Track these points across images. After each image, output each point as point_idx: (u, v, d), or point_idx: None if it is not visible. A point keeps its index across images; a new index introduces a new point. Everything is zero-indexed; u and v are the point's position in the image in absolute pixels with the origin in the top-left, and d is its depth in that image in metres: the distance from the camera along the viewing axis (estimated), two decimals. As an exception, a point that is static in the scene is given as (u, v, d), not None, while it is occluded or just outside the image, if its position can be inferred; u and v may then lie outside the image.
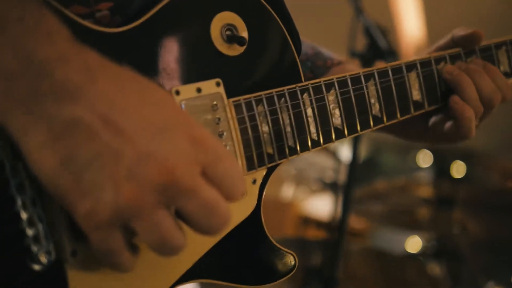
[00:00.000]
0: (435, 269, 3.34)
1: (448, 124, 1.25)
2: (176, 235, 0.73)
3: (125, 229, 0.73)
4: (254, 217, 1.01)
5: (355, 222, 6.18)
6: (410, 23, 5.74)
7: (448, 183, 3.04)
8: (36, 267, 0.77)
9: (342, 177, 2.64)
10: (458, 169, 7.95)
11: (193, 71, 0.93)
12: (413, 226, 3.63)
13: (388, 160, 9.26)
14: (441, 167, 7.63)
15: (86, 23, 0.87)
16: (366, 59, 2.40)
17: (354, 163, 2.39)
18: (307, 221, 4.49)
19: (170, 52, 0.92)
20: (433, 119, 1.28)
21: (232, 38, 0.97)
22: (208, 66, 0.96)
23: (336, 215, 2.60)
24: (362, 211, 3.58)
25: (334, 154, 2.75)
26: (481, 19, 5.47)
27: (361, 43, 2.47)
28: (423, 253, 3.62)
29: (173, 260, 0.90)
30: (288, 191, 3.29)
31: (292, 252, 1.04)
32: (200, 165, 0.73)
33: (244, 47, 0.99)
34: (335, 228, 4.71)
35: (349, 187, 2.37)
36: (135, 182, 0.69)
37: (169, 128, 0.73)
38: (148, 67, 0.91)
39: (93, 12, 0.94)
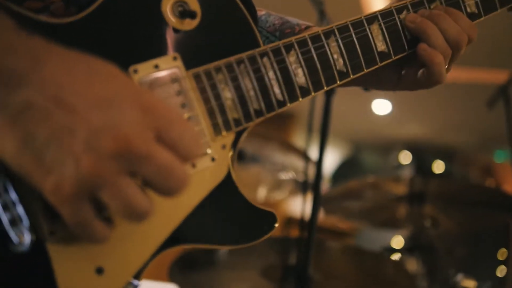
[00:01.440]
0: (412, 264, 3.41)
1: (420, 72, 1.27)
2: (140, 199, 0.78)
3: (94, 201, 0.78)
4: (228, 180, 1.05)
5: (341, 222, 6.24)
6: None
7: (421, 179, 3.10)
8: (18, 248, 0.82)
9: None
10: (438, 167, 8.04)
11: (149, 49, 0.97)
12: (389, 223, 3.70)
13: (370, 159, 9.38)
14: (421, 165, 7.72)
15: (36, 16, 0.92)
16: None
17: (320, 162, 2.45)
18: (290, 221, 4.55)
19: (125, 34, 0.97)
20: (405, 68, 1.30)
21: (183, 13, 1.02)
22: (164, 43, 1.00)
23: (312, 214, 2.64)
24: (339, 209, 3.63)
25: (304, 154, 2.80)
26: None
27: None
28: (400, 249, 3.69)
29: (150, 228, 0.93)
30: (262, 193, 3.33)
31: (271, 210, 1.07)
32: (153, 130, 0.78)
33: (197, 20, 1.03)
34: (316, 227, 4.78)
35: (317, 185, 2.43)
36: (92, 153, 0.74)
37: (119, 100, 0.78)
38: (103, 51, 0.94)
39: (47, 6, 0.99)
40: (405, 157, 7.94)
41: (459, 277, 2.96)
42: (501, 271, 4.19)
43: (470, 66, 5.45)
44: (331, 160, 9.04)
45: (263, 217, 1.07)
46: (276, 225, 1.07)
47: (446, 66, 1.26)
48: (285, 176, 3.29)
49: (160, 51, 1.00)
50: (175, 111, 0.84)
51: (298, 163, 2.89)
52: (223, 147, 1.05)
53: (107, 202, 0.77)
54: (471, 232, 4.33)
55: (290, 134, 6.51)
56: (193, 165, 1.01)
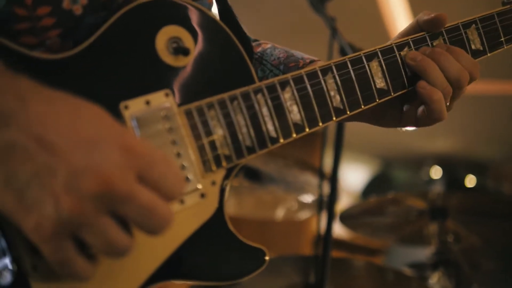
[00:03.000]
0: (437, 279, 3.36)
1: (420, 109, 1.27)
2: (120, 238, 0.80)
3: (76, 239, 0.79)
4: (218, 217, 1.05)
5: (371, 240, 6.19)
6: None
7: (442, 193, 3.07)
8: (1, 281, 0.83)
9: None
10: (470, 181, 7.92)
11: (142, 85, 0.98)
12: (415, 239, 3.66)
13: (400, 175, 9.28)
14: (452, 180, 7.61)
15: (29, 52, 0.94)
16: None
17: (334, 178, 2.45)
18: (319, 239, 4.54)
19: (118, 70, 0.98)
20: (406, 105, 1.30)
21: (177, 49, 1.02)
22: (156, 79, 1.01)
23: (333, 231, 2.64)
24: (363, 225, 3.61)
25: (320, 171, 2.81)
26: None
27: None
28: (425, 265, 3.65)
29: (136, 264, 0.94)
30: (281, 213, 3.34)
31: (261, 246, 1.06)
32: (134, 171, 0.80)
33: (190, 57, 1.04)
34: (343, 244, 4.74)
35: (332, 202, 2.43)
36: (73, 194, 0.76)
37: (101, 141, 0.80)
38: (96, 86, 0.97)
39: (43, 41, 1.01)
40: (436, 172, 7.85)
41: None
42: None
43: (497, 78, 5.39)
44: (361, 177, 8.98)
45: (253, 253, 1.06)
46: (267, 259, 1.06)
47: (448, 104, 1.25)
48: (308, 197, 3.29)
49: (153, 87, 1.01)
50: (158, 151, 0.85)
51: (316, 181, 2.89)
52: (213, 183, 1.05)
53: (88, 240, 0.79)
54: (497, 247, 4.25)
55: (314, 152, 6.51)
56: (182, 201, 1.01)
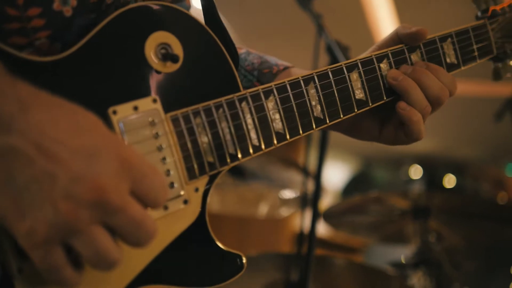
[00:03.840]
0: (418, 279, 3.37)
1: (399, 129, 1.28)
2: (111, 249, 0.81)
3: (66, 247, 0.80)
4: (200, 223, 1.06)
5: (351, 238, 6.21)
6: (387, 27, 5.82)
7: (425, 194, 3.07)
8: None
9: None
10: (449, 181, 7.98)
11: (130, 91, 0.99)
12: (396, 238, 3.67)
13: (380, 174, 9.33)
14: (431, 180, 7.66)
15: (21, 54, 0.93)
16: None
17: (319, 176, 2.44)
18: (302, 236, 4.53)
19: (107, 74, 0.98)
20: (384, 127, 1.31)
21: (166, 56, 1.03)
22: (145, 85, 1.02)
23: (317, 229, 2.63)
24: (345, 224, 3.61)
25: (304, 169, 2.79)
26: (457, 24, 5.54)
27: (324, 61, 2.53)
28: (406, 264, 3.65)
29: (119, 270, 0.91)
30: (264, 210, 3.32)
31: (239, 253, 1.09)
32: (128, 182, 0.82)
33: (179, 64, 1.05)
34: (323, 243, 4.74)
35: (316, 200, 2.42)
36: (70, 200, 0.77)
37: (99, 151, 0.81)
38: (84, 91, 0.97)
39: (32, 42, 1.00)
40: (416, 172, 7.89)
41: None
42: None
43: (477, 80, 5.42)
44: (341, 175, 9.00)
45: (231, 259, 1.08)
46: (244, 266, 1.08)
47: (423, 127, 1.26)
48: (289, 193, 3.27)
49: (141, 92, 1.01)
50: (148, 164, 0.87)
51: (300, 178, 2.88)
52: (196, 190, 1.06)
53: (78, 249, 0.80)
54: (479, 247, 4.28)
55: (297, 149, 6.50)
56: (165, 207, 1.02)
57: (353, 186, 8.85)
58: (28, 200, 0.76)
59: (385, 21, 5.31)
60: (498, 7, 1.43)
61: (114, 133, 0.86)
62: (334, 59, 2.39)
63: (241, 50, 1.44)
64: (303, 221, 2.68)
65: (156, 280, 1.01)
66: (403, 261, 3.76)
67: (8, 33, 0.98)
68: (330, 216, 3.39)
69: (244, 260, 1.09)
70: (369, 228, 3.59)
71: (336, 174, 8.86)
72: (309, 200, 2.59)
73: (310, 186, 2.74)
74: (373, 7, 5.08)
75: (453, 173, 7.88)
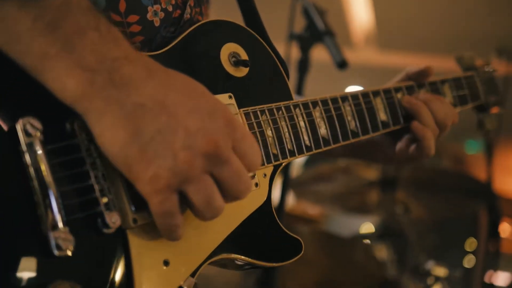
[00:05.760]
0: (382, 250, 3.38)
1: (412, 147, 1.46)
2: (218, 197, 0.93)
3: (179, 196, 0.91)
4: (267, 207, 1.20)
5: (310, 208, 6.22)
6: (359, 7, 5.78)
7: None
8: (106, 231, 0.93)
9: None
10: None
11: (209, 88, 1.05)
12: (361, 209, 3.66)
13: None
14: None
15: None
16: (305, 41, 2.40)
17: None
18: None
19: (190, 74, 1.05)
20: (399, 145, 1.49)
21: (238, 62, 1.22)
22: (221, 84, 1.20)
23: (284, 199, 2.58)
24: (310, 193, 3.59)
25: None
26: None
27: (300, 25, 2.46)
28: (371, 235, 3.66)
29: (207, 235, 1.09)
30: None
31: (299, 238, 1.21)
32: (232, 140, 0.94)
33: (248, 69, 1.23)
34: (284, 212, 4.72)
35: (287, 169, 2.37)
36: (188, 150, 0.89)
37: (210, 110, 0.94)
38: None
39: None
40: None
41: (430, 264, 2.93)
42: (468, 261, 4.19)
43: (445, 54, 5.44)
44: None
45: (292, 243, 1.21)
46: (303, 250, 1.21)
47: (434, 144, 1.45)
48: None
49: (218, 90, 1.18)
50: (247, 129, 1.11)
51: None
52: (264, 175, 1.21)
53: (191, 196, 0.91)
54: (442, 219, 4.31)
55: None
56: None
57: (316, 156, 8.84)
58: (153, 150, 0.88)
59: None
60: (477, 66, 1.71)
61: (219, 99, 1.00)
62: (310, 22, 2.32)
63: None
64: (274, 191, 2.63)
65: (233, 250, 1.13)
66: (366, 232, 3.77)
67: None
68: (297, 184, 3.37)
69: (302, 244, 1.21)
70: (334, 198, 3.57)
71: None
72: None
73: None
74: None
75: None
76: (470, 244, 4.24)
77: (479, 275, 3.72)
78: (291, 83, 2.48)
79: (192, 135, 0.90)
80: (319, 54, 2.54)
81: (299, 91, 2.46)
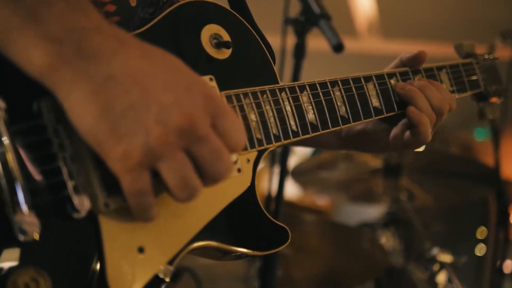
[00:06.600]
0: (388, 238, 3.34)
1: (407, 133, 1.41)
2: (193, 177, 0.88)
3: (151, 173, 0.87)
4: (250, 193, 1.16)
5: (318, 199, 6.18)
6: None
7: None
8: (76, 215, 0.90)
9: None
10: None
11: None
12: (366, 197, 3.62)
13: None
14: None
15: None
16: (300, 25, 2.36)
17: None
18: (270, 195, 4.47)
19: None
20: (393, 131, 1.44)
21: (219, 44, 1.18)
22: (201, 66, 1.15)
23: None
24: (313, 182, 3.55)
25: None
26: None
27: (295, 10, 2.42)
28: (376, 223, 3.62)
29: (187, 220, 1.05)
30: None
31: (284, 226, 1.18)
32: (211, 117, 0.89)
33: (230, 51, 1.20)
34: (290, 205, 4.69)
35: (285, 156, 2.34)
36: (161, 125, 0.84)
37: (186, 85, 0.89)
38: None
39: None
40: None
41: (435, 250, 2.88)
42: (480, 250, 4.14)
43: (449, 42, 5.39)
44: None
45: (278, 231, 1.18)
46: (289, 239, 1.17)
47: (431, 131, 1.41)
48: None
49: (198, 72, 1.07)
50: (228, 105, 1.02)
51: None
52: (248, 161, 1.16)
53: (164, 174, 0.86)
54: (449, 207, 4.27)
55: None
56: None
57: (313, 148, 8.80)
58: (124, 126, 0.83)
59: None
60: (477, 54, 1.67)
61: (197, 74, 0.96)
62: (306, 6, 2.28)
63: None
64: (271, 179, 2.60)
65: (214, 237, 1.09)
66: (373, 221, 3.73)
67: None
68: (299, 173, 3.33)
69: (289, 233, 1.17)
70: (339, 186, 3.53)
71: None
72: (278, 156, 2.50)
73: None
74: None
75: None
76: (481, 233, 4.20)
77: (490, 263, 3.68)
78: (287, 71, 2.45)
79: (166, 110, 0.85)
80: (320, 43, 2.50)
81: (296, 79, 2.41)
